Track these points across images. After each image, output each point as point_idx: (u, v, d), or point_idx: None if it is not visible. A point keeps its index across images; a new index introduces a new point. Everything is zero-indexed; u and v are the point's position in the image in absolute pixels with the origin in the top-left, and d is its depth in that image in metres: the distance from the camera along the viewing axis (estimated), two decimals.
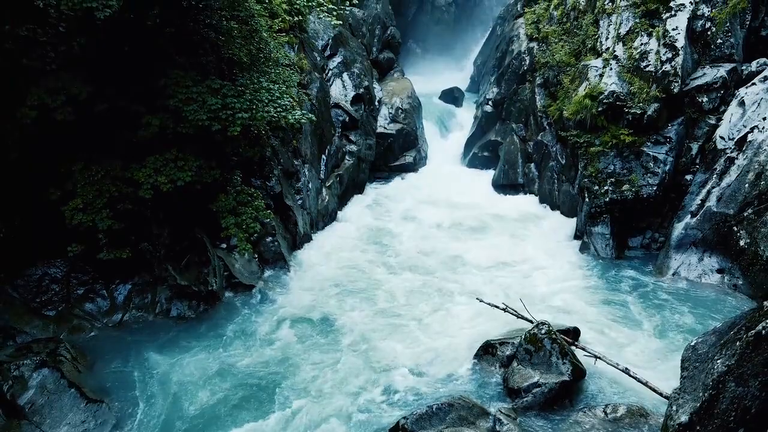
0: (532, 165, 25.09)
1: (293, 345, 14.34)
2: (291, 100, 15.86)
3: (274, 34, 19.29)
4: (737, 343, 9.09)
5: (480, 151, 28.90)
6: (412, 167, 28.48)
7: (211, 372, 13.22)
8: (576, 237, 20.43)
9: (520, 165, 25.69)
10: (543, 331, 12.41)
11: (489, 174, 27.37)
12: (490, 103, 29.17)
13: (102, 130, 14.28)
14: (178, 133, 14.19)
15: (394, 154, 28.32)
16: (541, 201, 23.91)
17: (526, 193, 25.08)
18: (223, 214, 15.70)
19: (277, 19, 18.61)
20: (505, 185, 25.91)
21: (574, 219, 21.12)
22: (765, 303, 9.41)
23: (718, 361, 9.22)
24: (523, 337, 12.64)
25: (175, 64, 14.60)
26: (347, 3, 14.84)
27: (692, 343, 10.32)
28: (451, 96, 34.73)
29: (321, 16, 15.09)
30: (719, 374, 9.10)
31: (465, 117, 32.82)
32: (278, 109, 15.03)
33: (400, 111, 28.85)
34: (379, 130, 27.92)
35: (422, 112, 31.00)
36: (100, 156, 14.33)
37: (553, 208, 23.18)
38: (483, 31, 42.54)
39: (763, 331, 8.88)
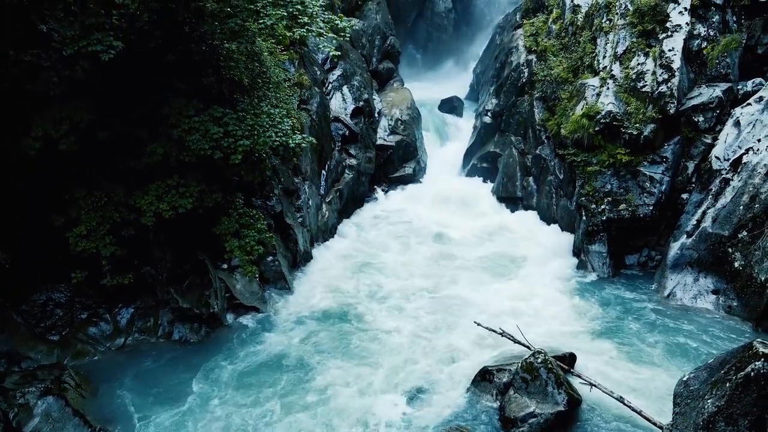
0: (531, 178, 25.26)
1: (287, 382, 14.15)
2: (291, 123, 16.03)
3: (275, 52, 19.49)
4: (727, 384, 9.32)
5: (479, 162, 29.04)
6: (411, 178, 28.63)
7: (204, 409, 13.27)
8: (574, 254, 20.62)
9: (518, 178, 25.86)
10: (539, 360, 12.62)
11: (488, 186, 27.53)
12: (489, 114, 29.29)
13: (105, 157, 14.49)
14: (181, 160, 14.40)
15: (394, 165, 28.48)
16: (540, 215, 24.06)
17: (524, 207, 25.20)
18: (226, 237, 15.95)
19: (279, 39, 18.80)
20: (503, 198, 26.10)
21: (572, 235, 21.30)
22: (754, 343, 9.64)
23: (709, 401, 9.45)
24: (519, 365, 12.84)
25: (177, 92, 14.77)
26: (346, 30, 14.94)
27: (684, 378, 10.55)
28: (451, 105, 34.81)
29: (321, 46, 15.24)
30: (710, 414, 9.34)
31: (464, 126, 32.89)
32: (279, 134, 15.24)
33: (399, 122, 29.01)
34: (379, 142, 28.06)
35: (422, 122, 31.16)
36: (103, 182, 14.55)
37: (551, 223, 23.32)
38: (483, 38, 42.55)
39: (752, 373, 9.13)
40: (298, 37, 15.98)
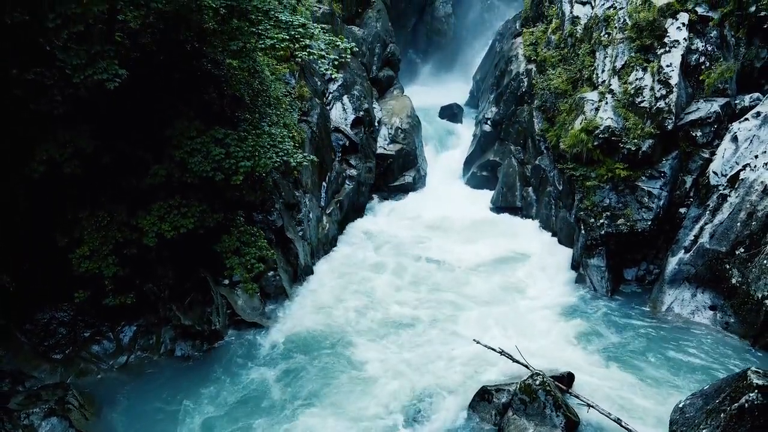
0: (530, 189, 25.42)
1: (282, 409, 14.05)
2: (292, 142, 16.15)
3: (277, 69, 19.62)
4: (722, 415, 9.48)
5: (479, 171, 29.22)
6: (411, 187, 28.78)
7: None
8: (573, 266, 20.74)
9: (518, 188, 26.02)
10: (537, 382, 12.77)
11: (487, 195, 27.67)
12: (488, 122, 29.44)
13: (108, 178, 14.63)
14: (183, 181, 14.54)
15: (394, 174, 28.61)
16: (539, 226, 24.21)
17: (524, 217, 25.41)
18: (227, 255, 16.09)
19: (279, 56, 18.93)
20: (503, 208, 26.28)
21: (571, 247, 21.44)
22: (749, 373, 9.80)
23: (704, 431, 9.60)
24: (518, 386, 12.99)
25: (179, 113, 14.91)
26: (347, 51, 15.07)
27: (680, 405, 10.72)
28: (451, 112, 35.00)
29: (323, 69, 15.43)
30: None
31: (464, 134, 33.05)
32: (280, 154, 15.38)
33: (399, 131, 29.15)
34: (379, 151, 28.22)
35: (421, 130, 31.27)
36: (106, 202, 14.69)
37: (550, 234, 23.45)
38: (482, 44, 42.69)
39: (746, 405, 9.30)
40: (300, 59, 16.15)
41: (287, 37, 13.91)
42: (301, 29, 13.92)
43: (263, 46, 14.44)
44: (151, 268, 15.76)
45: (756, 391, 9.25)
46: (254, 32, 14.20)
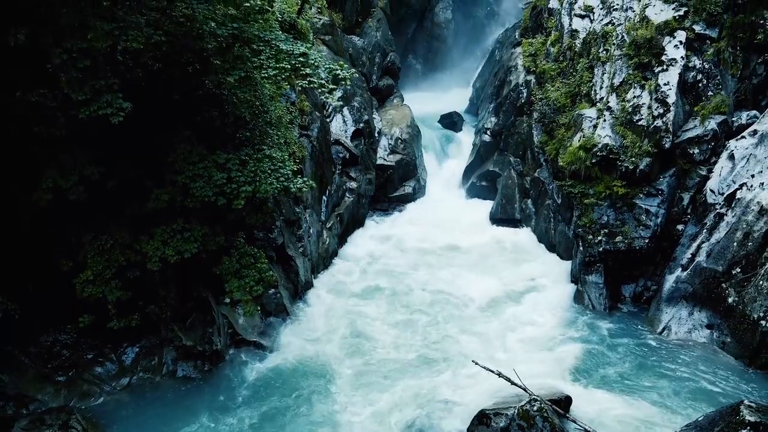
0: (529, 201, 25.57)
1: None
2: (292, 165, 16.29)
3: (280, 89, 19.75)
4: None
5: (478, 181, 29.34)
6: (411, 198, 28.91)
7: None
8: (571, 281, 20.89)
9: (517, 200, 26.15)
10: (535, 408, 12.94)
11: (487, 205, 27.78)
12: (488, 132, 29.57)
13: (111, 202, 14.77)
14: (185, 206, 14.69)
15: (394, 185, 28.73)
16: (538, 239, 24.38)
17: (523, 228, 25.55)
18: (226, 278, 16.20)
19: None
20: (502, 220, 26.40)
21: (570, 260, 21.61)
22: (742, 408, 9.97)
23: None
24: (516, 411, 13.14)
25: (182, 138, 15.03)
26: (347, 80, 15.24)
27: None
28: (451, 120, 35.10)
29: (323, 97, 15.58)
30: None
31: (464, 142, 33.13)
32: (281, 179, 15.49)
33: (399, 141, 29.28)
34: (379, 161, 28.34)
35: (421, 139, 31.40)
36: (109, 225, 14.84)
37: (548, 247, 23.65)
38: (482, 50, 42.88)
39: None
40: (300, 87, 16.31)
41: (288, 66, 14.05)
42: (301, 58, 14.07)
43: (265, 75, 14.57)
44: (153, 289, 15.91)
45: (748, 427, 9.42)
46: (256, 63, 14.32)
